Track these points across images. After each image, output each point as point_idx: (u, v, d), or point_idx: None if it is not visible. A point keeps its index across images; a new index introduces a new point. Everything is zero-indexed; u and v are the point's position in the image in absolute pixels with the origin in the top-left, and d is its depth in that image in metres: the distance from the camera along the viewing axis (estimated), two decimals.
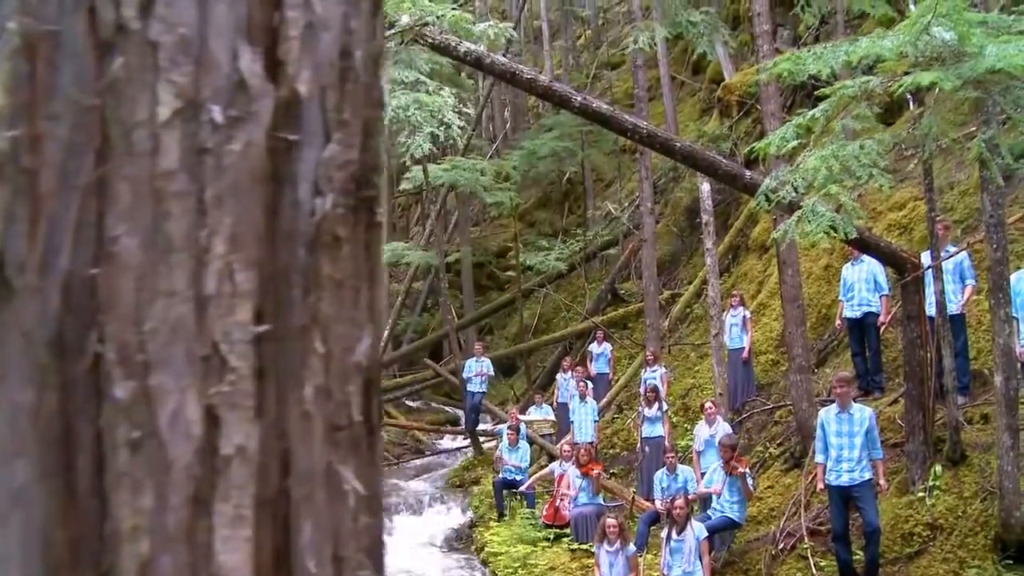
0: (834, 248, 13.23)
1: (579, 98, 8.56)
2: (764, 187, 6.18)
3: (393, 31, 6.06)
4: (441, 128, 4.97)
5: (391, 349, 23.82)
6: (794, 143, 5.71)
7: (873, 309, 10.59)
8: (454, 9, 6.21)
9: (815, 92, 5.79)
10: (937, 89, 5.14)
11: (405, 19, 6.07)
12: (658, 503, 10.61)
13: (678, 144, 8.70)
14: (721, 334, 12.70)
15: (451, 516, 14.38)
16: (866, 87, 5.33)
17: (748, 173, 8.79)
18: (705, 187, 12.53)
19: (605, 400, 15.73)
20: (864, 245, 9.11)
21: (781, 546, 9.35)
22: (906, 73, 5.10)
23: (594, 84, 27.09)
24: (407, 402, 23.53)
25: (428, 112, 4.89)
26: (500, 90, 31.28)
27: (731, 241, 17.46)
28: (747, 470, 9.71)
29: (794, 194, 5.75)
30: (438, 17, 6.16)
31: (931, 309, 8.80)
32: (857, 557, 8.26)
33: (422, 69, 5.67)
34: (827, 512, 8.81)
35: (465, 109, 5.42)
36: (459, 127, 5.00)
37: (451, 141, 5.05)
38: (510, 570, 11.04)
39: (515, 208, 25.31)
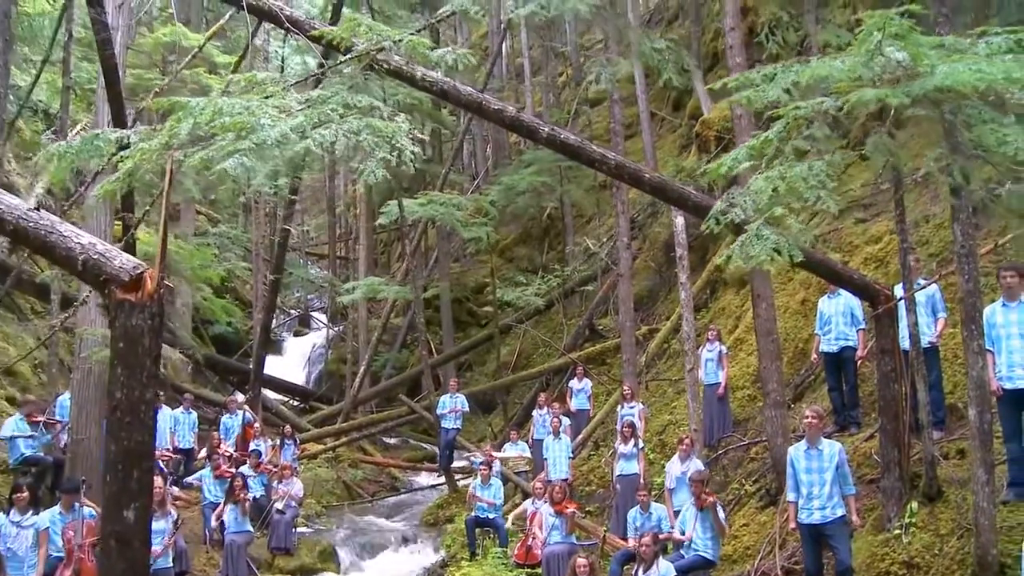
0: (811, 282, 13.15)
1: (546, 129, 8.46)
2: (715, 210, 6.05)
3: (349, 56, 5.94)
4: (394, 154, 4.82)
5: (368, 385, 23.58)
6: (746, 164, 5.59)
7: (850, 343, 10.48)
8: (412, 35, 6.10)
9: (769, 114, 5.68)
10: (892, 112, 5.05)
11: (362, 45, 5.94)
12: (631, 542, 10.37)
13: (647, 175, 8.59)
14: (696, 369, 12.55)
15: (423, 555, 14.11)
16: (819, 108, 5.23)
17: None
18: (680, 220, 12.44)
19: (581, 437, 15.51)
20: (836, 277, 9.00)
21: None
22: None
23: (575, 121, 27.14)
24: (384, 439, 23.27)
25: (381, 137, 4.75)
26: (483, 127, 31.41)
27: (709, 276, 17.37)
28: (717, 501, 9.49)
29: (743, 216, 5.63)
30: (395, 42, 6.04)
31: (905, 343, 8.68)
32: None
33: (376, 95, 5.54)
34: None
35: (420, 135, 5.25)
36: (412, 152, 4.84)
37: (404, 167, 4.89)
38: None
39: (495, 244, 25.23)
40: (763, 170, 5.35)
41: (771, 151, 5.36)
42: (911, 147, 14.04)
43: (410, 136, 4.96)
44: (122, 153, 5.41)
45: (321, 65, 7.14)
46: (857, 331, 10.46)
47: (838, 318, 10.52)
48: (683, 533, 9.61)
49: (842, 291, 10.33)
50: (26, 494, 8.89)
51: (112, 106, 10.03)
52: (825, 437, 8.42)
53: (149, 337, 4.07)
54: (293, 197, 20.52)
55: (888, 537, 8.22)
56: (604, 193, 22.89)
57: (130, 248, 10.25)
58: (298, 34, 7.68)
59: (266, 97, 5.25)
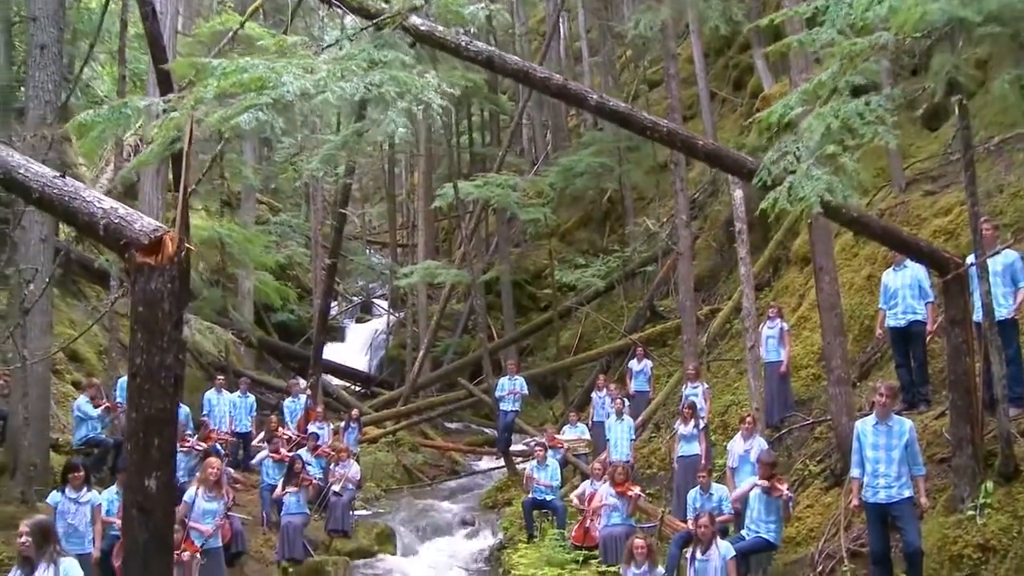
0: (876, 257, 12.67)
1: (595, 96, 8.20)
2: (766, 160, 5.67)
3: (382, 18, 5.75)
4: (420, 107, 4.65)
5: (429, 370, 23.58)
6: (799, 110, 5.23)
7: (919, 317, 9.98)
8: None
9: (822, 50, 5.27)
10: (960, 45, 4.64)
11: (396, 5, 5.76)
12: (691, 523, 10.09)
13: (700, 142, 8.27)
14: (757, 347, 12.16)
15: (481, 537, 14.01)
16: (876, 42, 4.83)
17: None
18: (738, 194, 12.04)
19: (641, 418, 15.22)
20: (901, 245, 8.57)
21: (820, 568, 8.78)
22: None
23: (634, 102, 26.72)
24: (446, 424, 23.25)
25: (404, 89, 4.58)
26: (542, 112, 31.16)
27: (771, 254, 16.92)
28: (792, 497, 9.16)
29: (796, 164, 5.24)
30: (427, 0, 5.85)
31: (978, 314, 8.23)
32: None
33: (404, 51, 5.36)
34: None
35: (449, 88, 5.05)
36: (440, 105, 4.65)
37: (431, 122, 4.76)
38: None
39: (555, 228, 24.96)
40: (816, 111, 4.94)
41: (826, 93, 4.97)
42: (983, 116, 13.48)
43: (438, 91, 4.77)
44: (153, 123, 5.32)
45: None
46: (926, 304, 9.96)
47: (905, 291, 10.03)
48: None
49: (909, 263, 9.86)
50: (81, 472, 8.97)
51: (161, 88, 10.01)
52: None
53: (169, 301, 3.95)
54: (349, 181, 20.52)
55: (961, 519, 7.80)
56: (664, 174, 22.46)
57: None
58: (339, 7, 7.52)
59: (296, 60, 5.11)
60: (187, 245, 3.93)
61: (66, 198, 4.39)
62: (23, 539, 5.63)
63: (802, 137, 5.14)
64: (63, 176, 4.54)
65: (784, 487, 9.09)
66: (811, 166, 5.10)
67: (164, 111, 5.36)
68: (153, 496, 3.89)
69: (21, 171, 4.56)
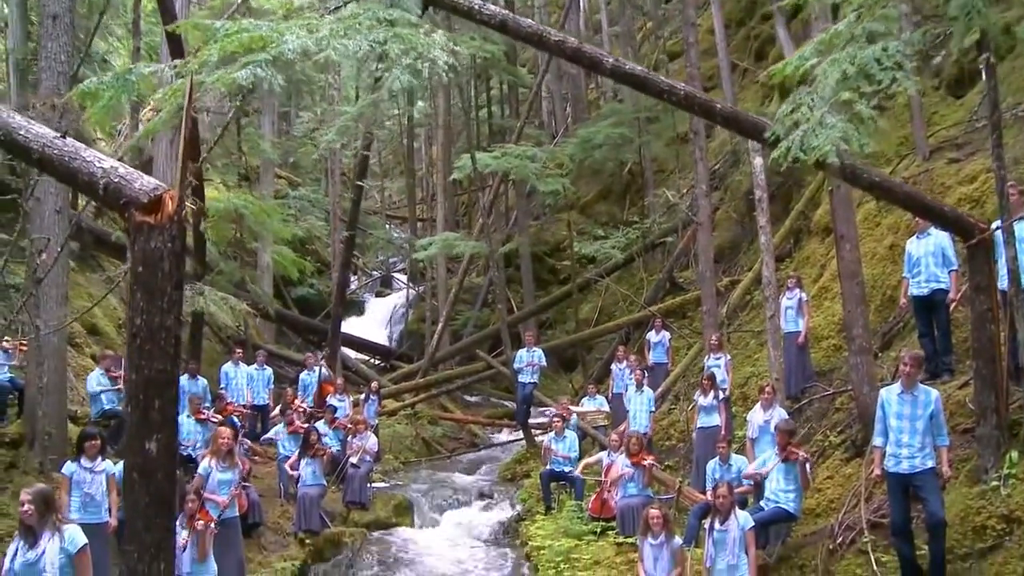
0: (899, 226, 12.46)
1: (610, 60, 8.03)
2: (779, 114, 5.47)
3: None
4: (425, 64, 4.54)
5: (449, 343, 23.54)
6: (814, 61, 5.04)
7: (942, 285, 9.79)
8: None
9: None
10: None
11: None
12: (710, 495, 10.00)
13: (719, 106, 8.09)
14: (777, 317, 12.01)
15: (499, 510, 13.97)
16: None
17: None
18: (758, 162, 11.85)
19: (660, 389, 15.12)
20: (924, 210, 8.37)
21: (840, 540, 8.66)
22: None
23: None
24: (466, 397, 23.23)
25: (409, 45, 4.47)
26: (561, 85, 30.89)
27: (792, 224, 16.69)
28: (808, 458, 9.02)
29: (810, 115, 5.04)
30: None
31: (1003, 282, 8.04)
32: (922, 552, 7.54)
33: (410, 9, 5.23)
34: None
35: (456, 48, 4.92)
36: (446, 63, 4.55)
37: (437, 77, 4.64)
38: (553, 565, 10.53)
39: (575, 201, 24.76)
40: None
41: (842, 42, 4.77)
42: (1011, 82, 13.17)
43: (445, 49, 4.65)
44: (160, 91, 5.24)
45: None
46: (949, 272, 9.76)
47: (928, 259, 9.83)
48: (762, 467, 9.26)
49: (932, 230, 9.66)
50: (97, 442, 8.97)
51: (173, 58, 9.92)
52: None
53: (169, 261, 3.87)
54: (366, 153, 20.42)
55: (984, 489, 7.65)
56: (684, 145, 22.21)
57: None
58: None
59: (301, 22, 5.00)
60: (188, 204, 3.84)
61: (66, 158, 4.32)
62: (25, 508, 5.63)
63: (817, 87, 4.94)
64: (64, 137, 4.45)
65: (801, 452, 8.99)
66: (825, 114, 4.90)
67: (174, 77, 5.27)
68: (154, 459, 3.83)
69: (21, 132, 4.50)
